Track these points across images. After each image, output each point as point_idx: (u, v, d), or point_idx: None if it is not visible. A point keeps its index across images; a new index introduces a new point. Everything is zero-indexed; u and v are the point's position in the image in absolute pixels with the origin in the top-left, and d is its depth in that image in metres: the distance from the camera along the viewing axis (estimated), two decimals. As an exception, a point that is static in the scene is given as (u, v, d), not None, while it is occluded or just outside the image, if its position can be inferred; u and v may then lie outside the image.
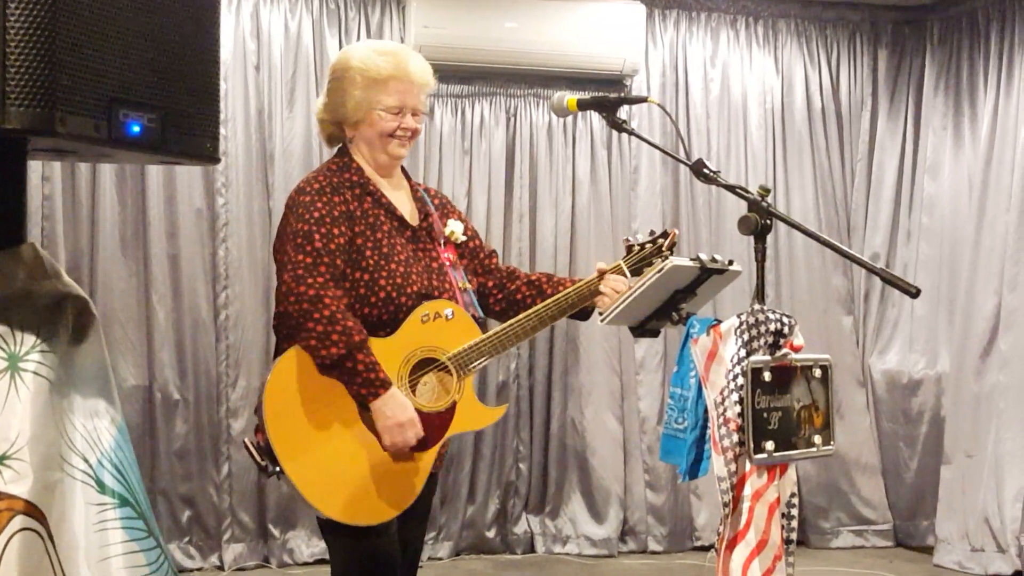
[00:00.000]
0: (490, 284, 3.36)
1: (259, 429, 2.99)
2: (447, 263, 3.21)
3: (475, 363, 3.10)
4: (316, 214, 3.02)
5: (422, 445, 3.04)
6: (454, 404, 3.09)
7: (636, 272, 3.17)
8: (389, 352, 3.02)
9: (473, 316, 3.18)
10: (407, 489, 3.05)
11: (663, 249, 3.17)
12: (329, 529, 3.09)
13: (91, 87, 2.14)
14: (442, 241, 3.25)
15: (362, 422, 2.99)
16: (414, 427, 2.99)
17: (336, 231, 3.01)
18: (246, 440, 3.05)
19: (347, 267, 3.02)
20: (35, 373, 2.27)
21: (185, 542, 5.70)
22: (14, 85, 2.03)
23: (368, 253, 3.05)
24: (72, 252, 5.55)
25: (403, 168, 3.36)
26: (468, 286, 3.25)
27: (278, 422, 2.95)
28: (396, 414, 2.96)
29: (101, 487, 2.35)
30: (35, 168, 5.34)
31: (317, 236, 2.98)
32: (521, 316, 3.14)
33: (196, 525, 5.73)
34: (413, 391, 3.06)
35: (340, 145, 3.31)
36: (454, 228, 3.29)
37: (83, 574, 2.27)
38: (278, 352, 3.07)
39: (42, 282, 2.33)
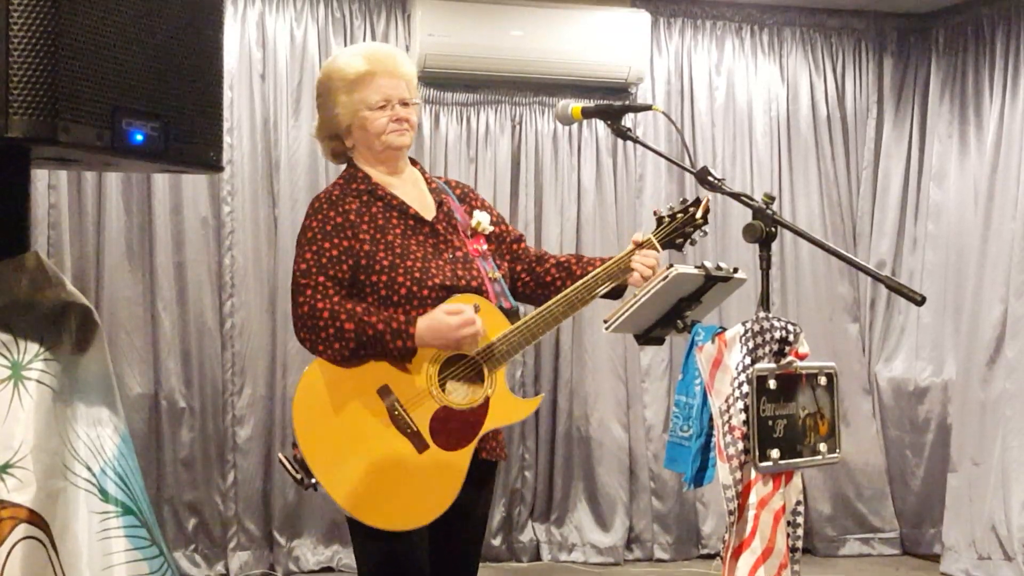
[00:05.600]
0: (518, 268, 3.30)
1: (295, 444, 2.98)
2: (474, 253, 3.16)
3: (505, 356, 3.05)
4: (308, 234, 3.02)
5: (456, 444, 3.00)
6: (487, 399, 3.04)
7: (668, 245, 3.11)
8: (417, 352, 2.98)
9: (505, 307, 3.12)
10: (444, 491, 3.00)
11: (696, 218, 3.09)
12: (358, 532, 3.06)
13: (94, 96, 2.14)
14: (468, 232, 3.19)
15: (393, 426, 2.96)
16: (461, 326, 2.94)
17: (327, 244, 2.99)
18: (281, 456, 3.04)
19: (361, 274, 3.00)
20: (38, 382, 2.27)
21: (191, 550, 5.70)
22: (17, 94, 2.03)
23: (381, 255, 3.02)
24: (78, 260, 5.56)
25: (415, 161, 3.30)
26: (498, 275, 3.17)
27: (309, 436, 2.94)
28: (442, 334, 2.93)
29: (104, 496, 2.34)
30: (41, 177, 5.35)
31: (308, 254, 2.99)
32: (550, 303, 3.06)
33: (202, 533, 5.73)
34: (443, 389, 3.01)
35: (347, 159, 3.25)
36: (480, 219, 3.23)
37: (86, 583, 2.28)
38: None
39: (46, 291, 2.33)
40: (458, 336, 2.95)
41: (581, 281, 3.08)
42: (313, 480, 2.93)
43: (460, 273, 3.07)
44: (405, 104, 3.14)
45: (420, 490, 2.98)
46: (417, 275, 3.01)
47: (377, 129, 3.11)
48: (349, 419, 2.95)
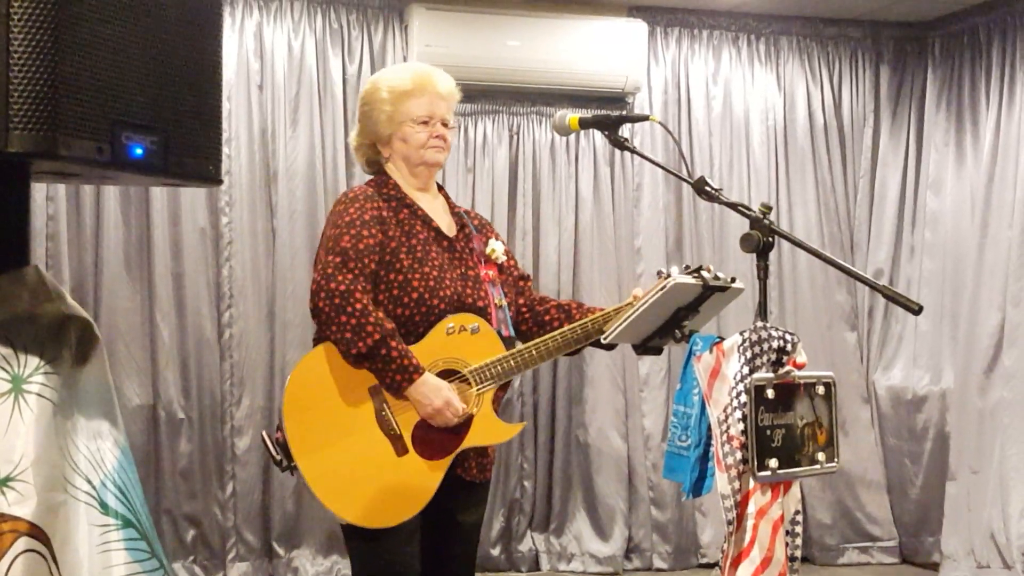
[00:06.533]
0: (520, 301, 3.40)
1: (279, 427, 3.07)
2: (485, 278, 3.27)
3: (495, 379, 3.14)
4: (347, 218, 3.10)
5: (434, 455, 3.08)
6: (471, 418, 3.12)
7: None
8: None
9: (504, 335, 3.22)
10: (415, 497, 3.08)
11: None
12: (348, 534, 3.14)
13: (94, 110, 2.15)
14: (481, 259, 3.30)
15: (378, 426, 3.05)
16: (451, 407, 3.05)
17: (365, 232, 3.08)
18: (264, 433, 3.12)
19: (380, 269, 3.09)
20: (39, 395, 2.27)
21: (190, 561, 5.69)
22: (17, 109, 2.04)
23: (402, 255, 3.12)
24: (76, 272, 5.56)
25: (441, 186, 3.42)
26: (504, 303, 3.28)
27: (296, 417, 3.03)
28: (432, 399, 3.03)
29: (104, 508, 2.35)
30: (39, 188, 5.35)
31: (346, 238, 3.06)
32: (546, 336, 3.18)
33: (201, 544, 5.73)
34: None
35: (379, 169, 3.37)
36: (495, 247, 3.35)
37: (87, 595, 2.28)
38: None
39: (45, 304, 2.34)
40: (442, 421, 3.06)
41: (579, 322, 3.20)
42: (292, 464, 3.01)
43: (470, 291, 3.19)
44: (445, 125, 3.28)
45: (392, 492, 3.06)
46: (431, 283, 3.12)
47: (417, 142, 3.24)
48: (337, 410, 3.04)
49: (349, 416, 3.03)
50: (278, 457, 3.03)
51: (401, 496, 3.06)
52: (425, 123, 3.24)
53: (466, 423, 3.12)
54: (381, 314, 3.02)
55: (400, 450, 3.06)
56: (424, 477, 3.08)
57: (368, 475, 3.03)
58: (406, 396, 3.04)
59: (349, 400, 3.04)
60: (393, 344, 2.99)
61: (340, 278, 3.00)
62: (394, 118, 3.25)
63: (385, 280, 3.10)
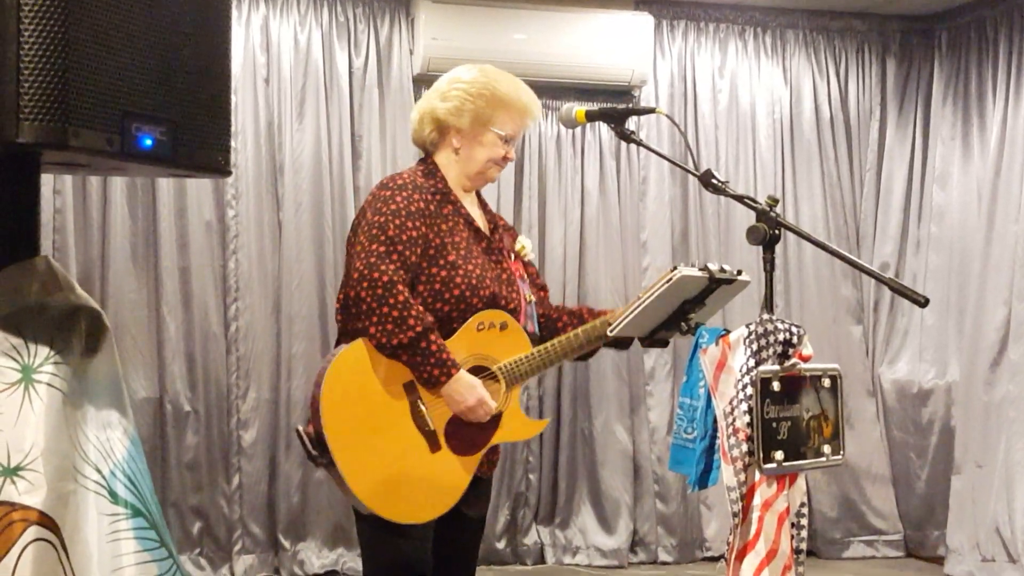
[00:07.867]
0: (539, 311, 3.42)
1: (310, 420, 3.04)
2: (517, 274, 3.30)
3: (524, 376, 3.18)
4: (393, 206, 3.08)
5: (465, 451, 3.12)
6: (500, 414, 3.16)
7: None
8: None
9: (529, 330, 3.25)
10: (448, 493, 3.11)
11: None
12: (369, 527, 3.14)
13: (103, 101, 2.15)
14: (511, 255, 3.33)
15: (412, 422, 3.06)
16: (484, 406, 3.08)
17: (410, 224, 3.07)
18: (299, 428, 3.08)
19: (423, 261, 3.10)
20: (49, 385, 2.28)
21: (196, 553, 5.71)
22: (28, 100, 2.05)
23: (448, 250, 3.12)
24: (83, 264, 5.57)
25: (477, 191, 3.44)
26: (532, 299, 3.32)
27: (334, 411, 3.00)
28: (466, 397, 3.05)
29: (114, 498, 2.36)
30: (46, 181, 5.36)
31: (391, 227, 3.05)
32: (570, 333, 3.20)
33: (207, 536, 5.74)
34: None
35: (423, 156, 3.35)
36: (524, 244, 3.38)
37: (96, 584, 2.29)
38: (341, 340, 3.14)
39: (55, 294, 2.35)
40: (474, 417, 3.09)
41: (600, 319, 3.20)
42: (328, 459, 2.98)
43: (505, 292, 3.21)
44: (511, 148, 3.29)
45: (426, 488, 3.08)
46: (474, 281, 3.13)
47: (490, 154, 3.25)
48: (373, 405, 3.03)
49: (385, 411, 3.04)
50: (314, 452, 3.00)
51: (434, 491, 3.09)
52: (506, 142, 3.25)
53: (495, 420, 3.15)
54: (422, 307, 3.03)
55: (433, 446, 3.08)
56: (455, 474, 3.11)
57: (403, 471, 3.04)
58: (440, 392, 3.05)
59: (385, 396, 3.04)
60: (432, 338, 3.00)
61: (383, 267, 2.98)
62: (482, 118, 3.23)
63: (427, 273, 3.10)
